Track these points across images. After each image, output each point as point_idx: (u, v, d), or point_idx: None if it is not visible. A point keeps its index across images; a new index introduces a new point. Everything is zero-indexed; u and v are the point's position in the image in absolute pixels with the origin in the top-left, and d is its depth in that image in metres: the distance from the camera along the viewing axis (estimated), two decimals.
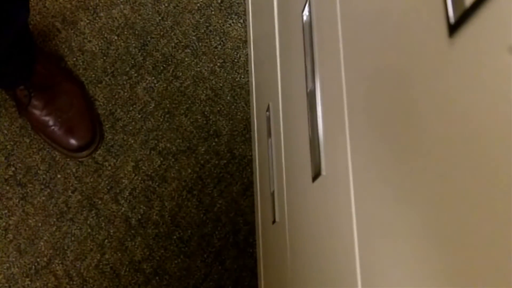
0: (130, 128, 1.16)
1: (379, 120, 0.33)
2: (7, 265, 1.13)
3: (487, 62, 0.21)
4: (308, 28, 0.50)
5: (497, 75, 0.20)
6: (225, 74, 1.18)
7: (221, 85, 1.18)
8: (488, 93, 0.20)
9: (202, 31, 1.19)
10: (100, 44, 1.18)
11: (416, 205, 0.28)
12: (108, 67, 1.18)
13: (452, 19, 0.23)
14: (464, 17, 0.22)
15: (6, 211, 1.14)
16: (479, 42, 0.21)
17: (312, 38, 0.49)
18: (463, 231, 0.23)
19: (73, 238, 1.13)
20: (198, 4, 1.20)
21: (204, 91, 1.18)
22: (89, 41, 1.18)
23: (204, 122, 1.17)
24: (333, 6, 0.42)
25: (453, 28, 0.23)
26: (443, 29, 0.24)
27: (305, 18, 0.51)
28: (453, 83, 0.23)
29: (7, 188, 1.14)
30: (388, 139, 0.31)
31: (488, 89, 0.20)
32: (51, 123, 1.11)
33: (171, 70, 1.18)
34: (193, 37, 1.19)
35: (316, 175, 0.47)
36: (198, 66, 1.18)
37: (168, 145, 1.16)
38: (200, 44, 1.19)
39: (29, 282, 1.13)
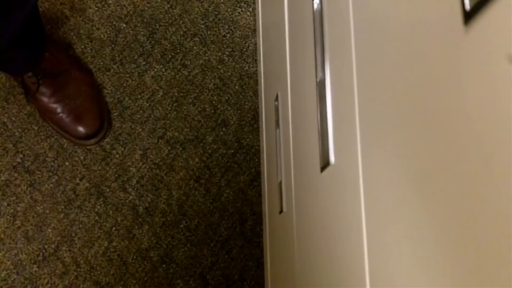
0: (138, 116, 1.16)
1: (390, 109, 0.32)
2: (15, 251, 1.13)
3: (502, 50, 0.20)
4: (318, 17, 0.49)
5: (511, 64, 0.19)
6: (234, 63, 1.17)
7: (229, 74, 1.17)
8: (502, 82, 0.20)
9: (211, 19, 1.19)
10: (108, 32, 1.18)
11: (427, 197, 0.28)
12: (116, 55, 1.18)
13: (467, 6, 0.22)
14: (479, 4, 0.22)
15: (14, 198, 1.14)
16: (494, 30, 0.21)
17: (322, 27, 0.48)
18: (473, 229, 0.23)
19: (80, 226, 1.14)
20: None
21: (212, 80, 1.17)
22: (98, 29, 1.18)
23: (212, 111, 1.16)
24: None
25: (468, 16, 0.22)
26: (458, 17, 0.23)
27: (315, 6, 0.50)
28: (466, 71, 0.23)
29: (15, 175, 1.15)
30: (399, 129, 0.31)
31: (502, 79, 0.20)
32: (59, 110, 1.11)
33: (179, 58, 1.18)
34: (202, 26, 1.18)
35: (325, 165, 0.47)
36: (207, 55, 1.18)
37: (176, 134, 1.16)
38: (208, 32, 1.18)
39: (37, 269, 1.13)
